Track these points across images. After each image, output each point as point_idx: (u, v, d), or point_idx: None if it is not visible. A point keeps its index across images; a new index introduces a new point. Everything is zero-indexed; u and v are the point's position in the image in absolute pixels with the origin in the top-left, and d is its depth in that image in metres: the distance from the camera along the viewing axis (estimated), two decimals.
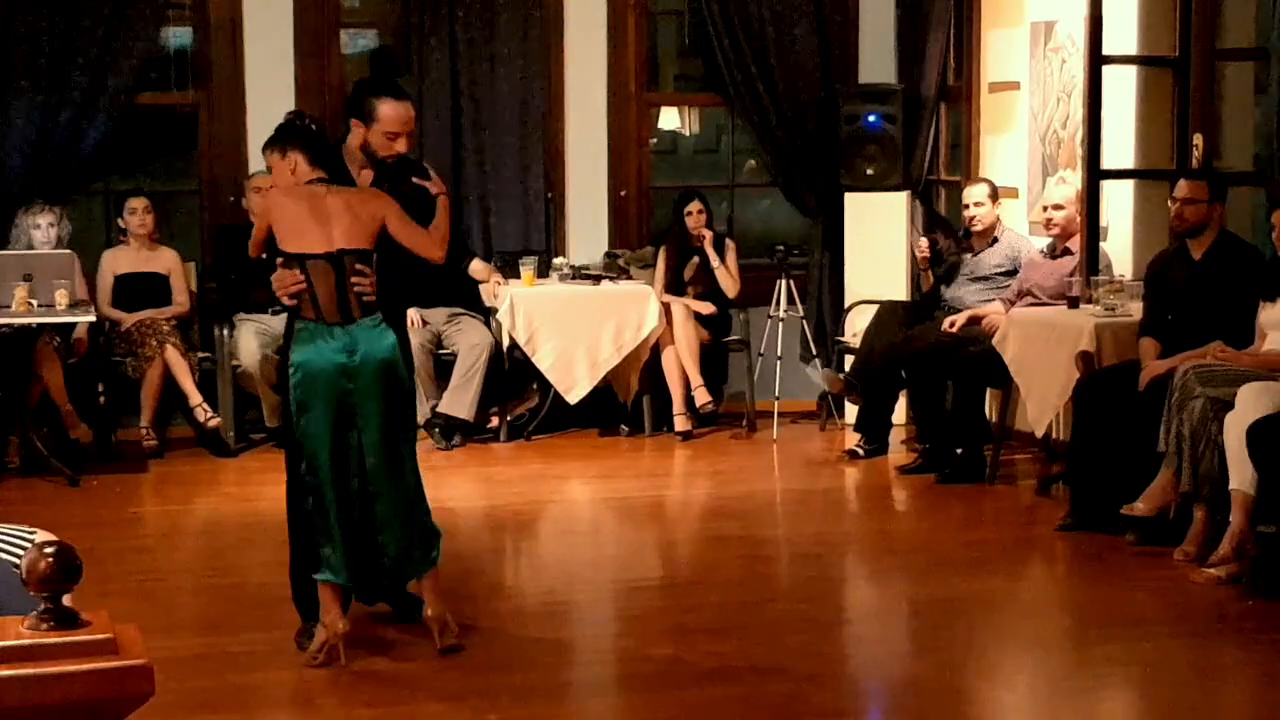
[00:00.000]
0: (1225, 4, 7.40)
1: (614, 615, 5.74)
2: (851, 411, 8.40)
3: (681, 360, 8.55)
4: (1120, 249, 7.53)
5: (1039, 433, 7.11)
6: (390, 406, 4.83)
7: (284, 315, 8.01)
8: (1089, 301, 7.02)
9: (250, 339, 8.10)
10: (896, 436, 8.26)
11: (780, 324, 8.61)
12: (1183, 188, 6.47)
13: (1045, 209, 7.62)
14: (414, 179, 5.07)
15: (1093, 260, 7.26)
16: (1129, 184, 7.56)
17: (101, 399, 8.16)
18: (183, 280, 8.38)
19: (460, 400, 8.24)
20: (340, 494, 4.79)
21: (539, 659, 4.99)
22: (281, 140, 4.94)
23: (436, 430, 8.24)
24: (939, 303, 8.07)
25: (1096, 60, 7.14)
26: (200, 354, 8.25)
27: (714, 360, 8.82)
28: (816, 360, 8.60)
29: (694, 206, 8.71)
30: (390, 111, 5.01)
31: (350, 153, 5.10)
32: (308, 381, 4.79)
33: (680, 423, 8.56)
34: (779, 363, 8.53)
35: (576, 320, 8.42)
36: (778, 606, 5.68)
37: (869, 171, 8.85)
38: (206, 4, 8.59)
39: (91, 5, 8.21)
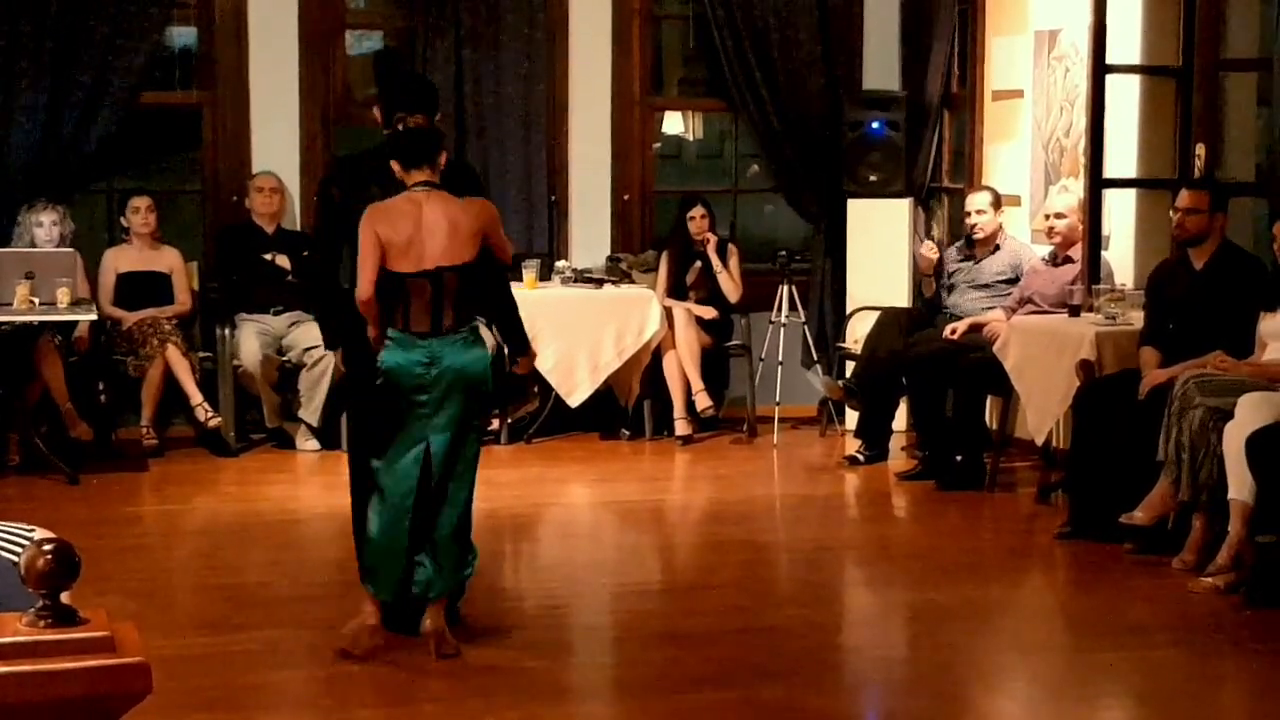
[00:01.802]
0: (1228, 14, 7.40)
1: (612, 618, 5.74)
2: (852, 417, 8.41)
3: (683, 364, 8.55)
4: (1122, 258, 7.53)
5: (1039, 440, 7.11)
6: (461, 421, 4.83)
7: (285, 315, 8.22)
8: (1090, 310, 7.02)
9: (251, 339, 8.11)
10: (897, 443, 8.27)
11: (782, 329, 8.61)
12: (1184, 197, 6.47)
13: (1047, 217, 7.62)
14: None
15: (1094, 269, 7.26)
16: (1131, 193, 7.57)
17: (102, 398, 8.15)
18: (184, 279, 8.38)
19: None
20: (397, 505, 4.81)
21: (537, 662, 4.98)
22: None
23: None
24: (940, 309, 8.07)
25: (1100, 69, 7.15)
26: (201, 353, 8.25)
27: (715, 365, 8.81)
28: (817, 366, 8.60)
29: (697, 211, 8.71)
30: None
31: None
32: (389, 386, 4.78)
33: (681, 427, 8.56)
34: (780, 368, 8.52)
35: (578, 323, 8.42)
36: (776, 611, 5.68)
37: (872, 178, 8.85)
38: (211, 3, 8.58)
39: (96, 4, 8.21)
